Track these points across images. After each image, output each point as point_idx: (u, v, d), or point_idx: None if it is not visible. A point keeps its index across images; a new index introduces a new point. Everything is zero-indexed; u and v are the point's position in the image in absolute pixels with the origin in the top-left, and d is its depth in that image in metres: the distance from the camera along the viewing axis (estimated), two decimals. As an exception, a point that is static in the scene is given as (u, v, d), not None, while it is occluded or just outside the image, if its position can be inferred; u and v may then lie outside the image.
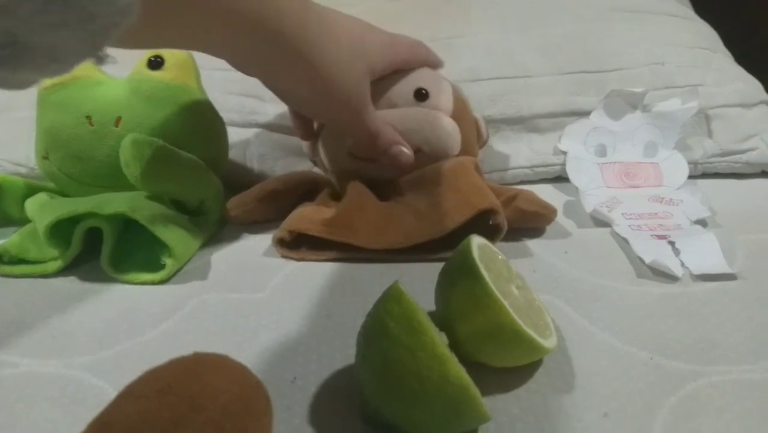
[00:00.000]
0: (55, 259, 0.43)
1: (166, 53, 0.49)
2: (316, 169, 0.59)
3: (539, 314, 0.34)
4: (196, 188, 0.48)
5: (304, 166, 0.60)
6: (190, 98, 0.49)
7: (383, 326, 0.28)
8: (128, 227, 0.44)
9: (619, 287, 0.41)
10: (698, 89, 0.57)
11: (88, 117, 0.46)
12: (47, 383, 0.33)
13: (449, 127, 0.50)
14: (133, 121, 0.46)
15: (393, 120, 0.50)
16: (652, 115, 0.57)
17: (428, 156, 0.51)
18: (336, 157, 0.52)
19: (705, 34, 0.66)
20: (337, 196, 0.52)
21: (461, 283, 0.32)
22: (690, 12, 0.69)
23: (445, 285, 0.34)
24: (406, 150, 0.48)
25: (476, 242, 0.34)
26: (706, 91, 0.58)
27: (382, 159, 0.49)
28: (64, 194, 0.49)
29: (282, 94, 0.47)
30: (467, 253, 0.33)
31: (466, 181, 0.46)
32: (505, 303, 0.31)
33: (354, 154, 0.51)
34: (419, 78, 0.53)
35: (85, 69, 0.48)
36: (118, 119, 0.46)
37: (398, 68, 0.51)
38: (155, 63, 0.48)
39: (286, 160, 0.59)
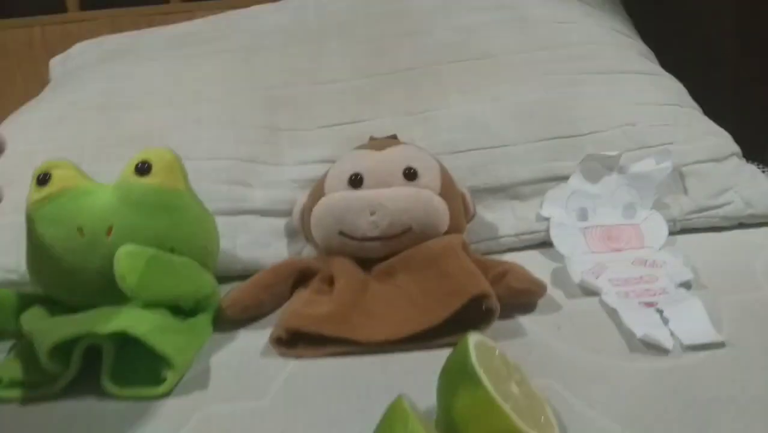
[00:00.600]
0: (53, 381, 0.43)
1: (152, 156, 0.49)
2: (306, 251, 0.60)
3: (540, 409, 0.35)
4: (192, 291, 0.48)
5: (294, 248, 0.60)
6: (179, 202, 0.50)
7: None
8: (126, 339, 0.44)
9: (613, 364, 0.42)
10: (670, 148, 0.59)
11: (80, 229, 0.46)
12: None
13: (439, 206, 0.52)
14: (125, 230, 0.47)
15: (385, 199, 0.51)
16: (629, 177, 0.59)
17: (418, 235, 0.52)
18: (327, 235, 0.53)
19: (672, 89, 0.69)
20: (329, 279, 0.52)
21: (462, 391, 0.33)
22: (656, 67, 0.72)
23: (445, 392, 0.34)
24: None
25: (473, 341, 0.35)
26: (678, 148, 0.61)
27: None
28: (56, 303, 0.49)
29: None
30: (466, 357, 0.34)
31: (457, 265, 0.47)
32: (508, 408, 0.32)
33: (344, 233, 0.52)
34: (407, 156, 0.54)
35: (71, 178, 0.48)
36: (110, 228, 0.46)
37: None
38: (142, 169, 0.48)
39: (278, 244, 0.60)
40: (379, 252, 0.53)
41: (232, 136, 0.65)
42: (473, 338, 0.35)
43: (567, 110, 0.64)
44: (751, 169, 0.63)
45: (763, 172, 0.72)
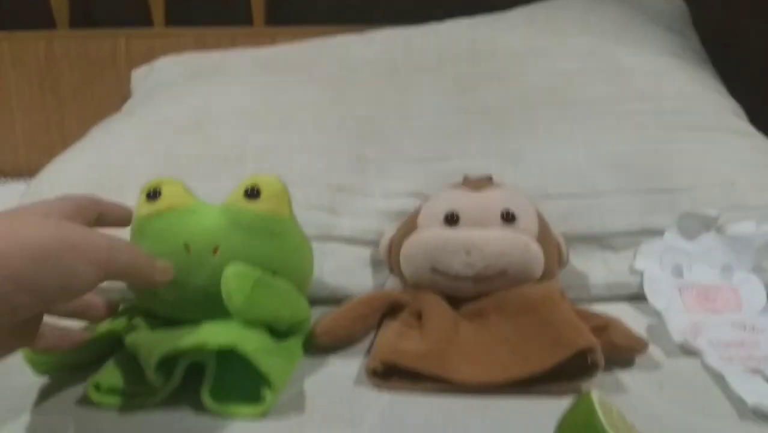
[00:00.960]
0: (153, 392, 0.43)
1: (262, 183, 0.50)
2: (389, 282, 0.60)
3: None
4: (290, 314, 0.48)
5: (378, 279, 0.60)
6: (285, 228, 0.50)
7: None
8: (225, 357, 0.44)
9: (724, 429, 0.40)
10: (770, 211, 0.58)
11: (186, 246, 0.47)
12: None
13: (535, 252, 0.51)
14: (231, 251, 0.47)
15: (482, 241, 0.51)
16: (727, 238, 0.58)
17: (512, 278, 0.51)
18: (418, 271, 0.53)
19: (768, 150, 0.68)
20: (418, 314, 0.52)
21: (591, 447, 0.32)
22: (750, 127, 0.71)
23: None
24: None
25: (596, 398, 0.34)
26: (778, 212, 0.59)
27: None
28: (152, 316, 0.50)
29: None
30: (592, 414, 0.33)
31: (558, 315, 0.46)
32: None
33: (437, 270, 0.52)
34: (505, 199, 0.54)
35: (180, 196, 0.49)
36: (216, 248, 0.47)
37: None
38: (252, 194, 0.49)
39: (362, 273, 0.60)
40: (470, 292, 0.52)
41: (323, 164, 0.66)
42: (596, 395, 0.34)
43: (663, 164, 0.63)
44: None
45: None
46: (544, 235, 0.54)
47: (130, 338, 0.45)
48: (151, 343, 0.43)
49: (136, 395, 0.44)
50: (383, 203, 0.64)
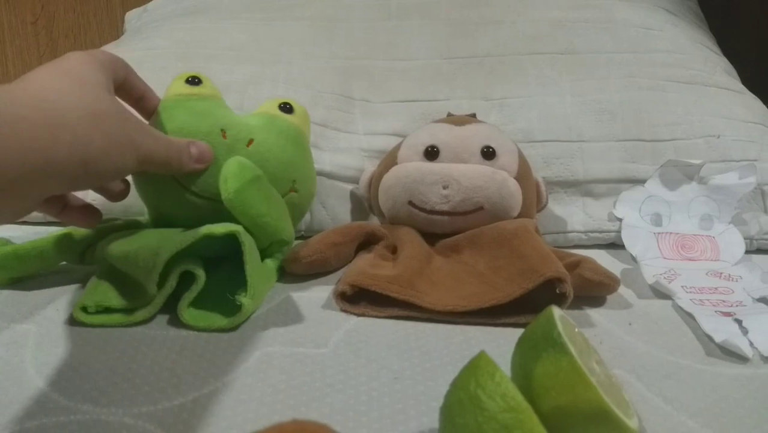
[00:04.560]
0: (141, 306, 0.43)
1: (294, 103, 0.52)
2: (371, 219, 0.59)
3: (618, 392, 0.34)
4: (274, 227, 0.47)
5: (357, 216, 0.60)
6: (307, 145, 0.53)
7: (477, 400, 0.28)
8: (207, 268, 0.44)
9: (689, 365, 0.40)
10: (755, 165, 0.57)
11: (223, 130, 0.47)
12: (109, 432, 0.33)
13: (513, 188, 0.51)
14: (264, 147, 0.48)
15: (460, 175, 0.50)
16: (709, 188, 0.57)
17: (488, 214, 0.51)
18: (395, 204, 0.53)
19: (758, 109, 0.67)
20: (393, 248, 0.52)
21: (547, 357, 0.31)
22: (740, 85, 0.70)
23: (527, 357, 0.33)
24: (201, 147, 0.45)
25: (557, 313, 0.34)
26: (761, 166, 0.58)
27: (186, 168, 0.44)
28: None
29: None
30: (552, 325, 0.32)
31: (531, 246, 0.46)
32: (594, 381, 0.30)
33: (414, 204, 0.51)
34: (486, 135, 0.53)
35: (219, 92, 0.50)
36: (251, 141, 0.47)
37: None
38: (286, 108, 0.51)
39: (341, 209, 0.59)
40: (446, 227, 0.52)
41: (307, 99, 0.64)
42: (557, 311, 0.34)
43: (649, 114, 0.62)
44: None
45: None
46: (523, 174, 0.53)
47: (120, 249, 0.44)
48: (151, 246, 0.42)
49: (125, 310, 0.43)
50: (365, 141, 0.63)
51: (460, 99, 0.65)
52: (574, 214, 0.59)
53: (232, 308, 0.42)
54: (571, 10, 0.74)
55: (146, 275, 0.41)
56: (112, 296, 0.43)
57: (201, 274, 0.42)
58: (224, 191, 0.43)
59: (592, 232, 0.58)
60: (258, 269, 0.44)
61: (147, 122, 0.46)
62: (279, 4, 0.82)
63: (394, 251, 0.51)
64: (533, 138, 0.61)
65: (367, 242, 0.53)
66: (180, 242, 0.41)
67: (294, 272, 0.49)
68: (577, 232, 0.58)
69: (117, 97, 0.41)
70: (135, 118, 0.39)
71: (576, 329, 0.35)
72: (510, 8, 0.75)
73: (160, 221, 0.50)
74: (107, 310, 0.43)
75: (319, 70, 0.69)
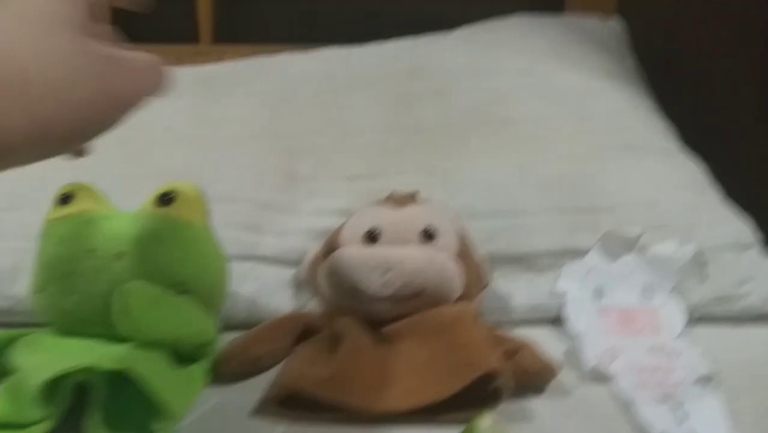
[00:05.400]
0: (40, 420, 0.41)
1: (177, 189, 0.49)
2: (311, 305, 0.58)
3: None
4: (193, 335, 0.47)
5: (300, 301, 0.59)
6: (196, 236, 0.49)
7: None
8: (117, 381, 0.42)
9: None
10: (692, 231, 0.58)
11: (92, 250, 0.46)
12: None
13: (453, 271, 0.50)
14: (137, 258, 0.46)
15: (400, 259, 0.50)
16: (648, 258, 0.57)
17: (429, 297, 0.50)
18: (336, 291, 0.51)
19: (696, 171, 0.68)
20: (334, 337, 0.51)
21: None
22: (678, 147, 0.71)
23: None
24: None
25: (485, 424, 0.33)
26: (700, 233, 0.59)
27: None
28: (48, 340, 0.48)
29: None
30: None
31: (468, 338, 0.46)
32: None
33: (355, 290, 0.51)
34: (427, 216, 0.53)
35: (93, 202, 0.48)
36: (120, 254, 0.46)
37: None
38: (165, 200, 0.49)
39: (283, 295, 0.58)
40: (387, 313, 0.51)
41: (250, 180, 0.64)
42: (485, 422, 0.33)
43: (589, 183, 0.63)
44: (772, 261, 0.61)
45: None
46: (464, 254, 0.53)
47: (14, 363, 0.43)
48: (37, 365, 0.41)
49: (23, 426, 0.41)
50: (311, 221, 0.62)
51: (405, 174, 0.66)
52: (519, 290, 0.59)
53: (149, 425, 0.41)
54: (512, 79, 0.75)
55: (30, 393, 0.40)
56: (8, 410, 0.41)
57: (100, 388, 0.40)
58: (125, 327, 0.42)
59: (536, 308, 0.58)
60: (175, 384, 0.43)
61: None
62: (227, 80, 0.82)
63: (336, 341, 0.50)
64: (476, 212, 0.62)
65: (306, 333, 0.52)
66: (57, 370, 0.39)
67: (226, 374, 0.48)
68: (521, 308, 0.58)
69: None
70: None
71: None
72: (452, 79, 0.77)
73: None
74: (4, 426, 0.41)
75: (264, 150, 0.69)
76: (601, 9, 0.98)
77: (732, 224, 0.62)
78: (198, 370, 0.47)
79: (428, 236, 0.52)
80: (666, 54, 1.08)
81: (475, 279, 0.54)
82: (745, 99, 1.14)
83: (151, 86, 0.32)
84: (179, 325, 0.45)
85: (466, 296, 0.52)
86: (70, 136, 0.28)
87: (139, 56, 0.31)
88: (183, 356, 0.47)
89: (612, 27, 0.93)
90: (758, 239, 0.62)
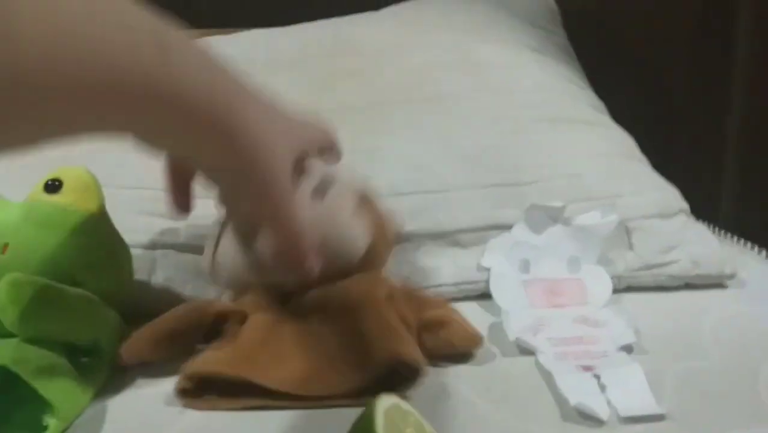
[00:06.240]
0: None
1: (65, 175, 0.46)
2: (227, 294, 0.55)
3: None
4: (86, 329, 0.43)
5: (215, 289, 0.55)
6: (89, 225, 0.46)
7: None
8: (5, 379, 0.39)
9: (544, 433, 0.38)
10: (616, 201, 0.57)
11: None
12: None
13: (350, 222, 0.45)
14: (22, 249, 0.43)
15: None
16: (573, 229, 0.56)
17: (331, 254, 0.43)
18: (235, 266, 0.47)
19: (621, 141, 0.67)
20: (242, 320, 0.47)
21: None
22: (606, 119, 0.71)
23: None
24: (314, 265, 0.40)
25: (382, 408, 0.31)
26: (624, 202, 0.58)
27: (292, 268, 0.38)
28: None
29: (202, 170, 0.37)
30: (370, 423, 0.29)
31: (377, 321, 0.43)
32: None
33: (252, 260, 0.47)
34: (319, 170, 0.49)
35: None
36: (5, 246, 0.43)
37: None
38: (52, 186, 0.46)
39: (196, 282, 0.55)
40: (290, 281, 0.47)
41: (158, 165, 0.60)
42: (383, 403, 0.31)
43: (514, 157, 0.62)
44: (700, 228, 0.61)
45: (713, 231, 0.71)
46: (367, 208, 0.48)
47: None
48: None
49: None
50: (222, 206, 0.59)
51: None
52: (444, 267, 0.57)
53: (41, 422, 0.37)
54: (435, 55, 0.73)
55: None
56: None
57: None
58: (7, 322, 0.38)
59: (461, 284, 0.56)
60: (66, 379, 0.39)
61: None
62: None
63: (242, 322, 0.47)
64: (400, 190, 0.59)
65: (220, 323, 0.49)
66: None
67: (129, 365, 0.45)
68: (447, 285, 0.56)
69: None
70: None
71: (412, 418, 0.33)
72: (376, 57, 0.74)
73: None
74: None
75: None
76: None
77: (658, 193, 0.61)
78: (98, 363, 0.44)
79: (321, 189, 0.48)
80: (598, 28, 1.08)
81: (381, 234, 0.50)
82: (678, 71, 1.15)
83: (293, 236, 0.37)
84: (68, 318, 0.42)
85: (374, 254, 0.48)
86: (231, 165, 0.34)
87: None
88: (81, 349, 0.43)
89: (543, 2, 0.92)
90: (683, 206, 0.61)
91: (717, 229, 0.72)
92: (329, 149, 0.45)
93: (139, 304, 0.52)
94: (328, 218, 0.44)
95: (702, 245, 0.58)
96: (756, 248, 0.67)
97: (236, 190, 0.37)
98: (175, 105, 0.29)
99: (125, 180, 0.60)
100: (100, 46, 0.25)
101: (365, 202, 0.49)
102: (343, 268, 0.45)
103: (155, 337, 0.45)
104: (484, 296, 0.56)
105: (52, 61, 0.23)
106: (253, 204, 0.37)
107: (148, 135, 0.31)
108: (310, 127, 0.43)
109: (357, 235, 0.45)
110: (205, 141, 0.32)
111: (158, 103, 0.28)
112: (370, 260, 0.47)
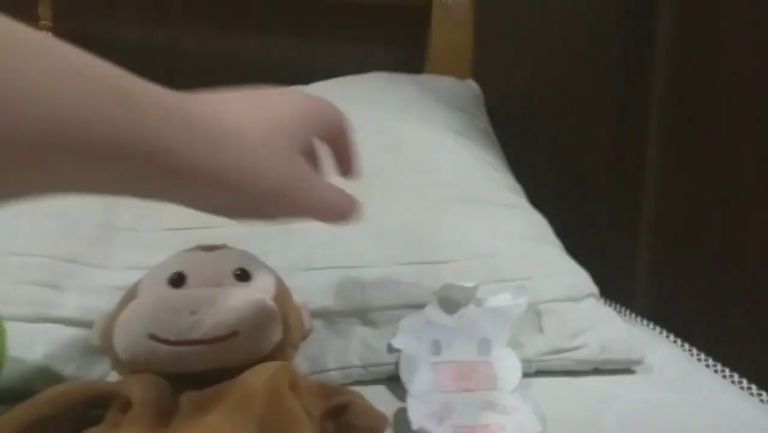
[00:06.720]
0: None
1: None
2: (113, 375, 0.50)
3: None
4: None
5: (101, 368, 0.51)
6: None
7: None
8: None
9: None
10: (528, 283, 0.57)
11: None
12: None
13: (272, 311, 0.44)
14: None
15: (210, 297, 0.44)
16: (485, 311, 0.56)
17: (245, 341, 0.43)
18: (132, 342, 0.43)
19: (536, 224, 0.69)
20: (124, 408, 0.43)
21: None
22: (522, 201, 0.72)
23: None
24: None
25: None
26: (535, 285, 0.58)
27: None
28: None
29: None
30: None
31: (277, 410, 0.40)
32: None
33: (156, 336, 0.43)
34: (240, 258, 0.48)
35: None
36: None
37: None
38: None
39: (81, 361, 0.51)
40: (196, 362, 0.43)
41: (55, 232, 0.57)
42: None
43: (429, 236, 0.62)
44: (608, 312, 0.61)
45: (624, 314, 0.72)
46: (283, 298, 0.48)
47: None
48: None
49: None
50: (122, 277, 0.55)
51: (234, 225, 0.60)
52: (354, 348, 0.55)
53: None
54: (359, 131, 0.73)
55: None
56: None
57: None
58: None
59: (371, 366, 0.54)
60: None
61: None
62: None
63: (124, 411, 0.43)
64: (313, 265, 0.58)
65: (101, 405, 0.44)
66: None
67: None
68: (356, 367, 0.54)
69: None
70: None
71: None
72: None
73: None
74: None
75: (78, 199, 0.61)
76: (459, 72, 1.01)
77: (568, 276, 0.62)
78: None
79: (242, 276, 0.47)
80: (522, 116, 1.13)
81: (296, 324, 0.49)
82: (599, 159, 1.21)
83: (334, 213, 0.39)
84: None
85: (286, 341, 0.46)
86: (235, 202, 0.33)
87: (333, 189, 0.39)
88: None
89: (467, 88, 0.96)
90: (592, 290, 0.62)
91: (629, 312, 0.73)
92: (336, 129, 0.45)
93: (14, 386, 0.47)
94: (249, 302, 0.44)
95: (610, 329, 0.58)
96: (664, 333, 0.68)
97: (257, 217, 0.37)
98: (147, 158, 0.28)
99: (12, 247, 0.56)
100: (62, 110, 0.25)
101: (282, 289, 0.48)
102: (252, 359, 0.43)
103: (23, 425, 0.40)
104: (394, 378, 0.54)
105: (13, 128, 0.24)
106: (283, 217, 0.37)
107: (136, 191, 0.30)
108: (306, 112, 0.40)
109: (274, 321, 0.44)
110: (194, 189, 0.32)
111: (129, 160, 0.28)
112: (282, 350, 0.45)
